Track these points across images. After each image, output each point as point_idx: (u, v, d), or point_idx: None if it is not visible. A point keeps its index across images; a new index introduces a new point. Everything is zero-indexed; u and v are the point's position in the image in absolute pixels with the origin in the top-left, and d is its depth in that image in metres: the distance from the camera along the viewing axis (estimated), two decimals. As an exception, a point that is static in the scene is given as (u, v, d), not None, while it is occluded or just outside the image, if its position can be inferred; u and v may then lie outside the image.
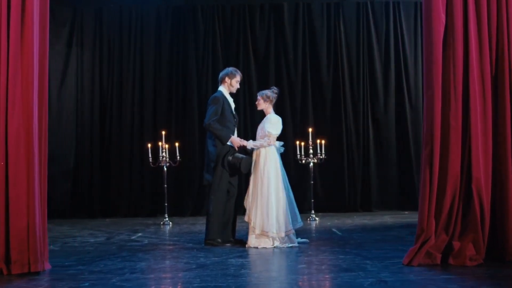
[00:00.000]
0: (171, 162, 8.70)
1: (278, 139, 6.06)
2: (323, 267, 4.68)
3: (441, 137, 4.58)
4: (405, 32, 10.30)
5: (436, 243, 4.54)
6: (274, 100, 6.12)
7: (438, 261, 4.51)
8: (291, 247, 5.71)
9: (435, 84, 4.57)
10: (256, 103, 6.18)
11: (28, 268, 4.41)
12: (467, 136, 4.59)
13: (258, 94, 6.20)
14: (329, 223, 8.19)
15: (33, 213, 4.42)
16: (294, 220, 5.86)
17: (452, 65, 4.60)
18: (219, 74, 6.38)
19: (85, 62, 10.39)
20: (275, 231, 5.71)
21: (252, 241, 5.78)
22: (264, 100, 6.08)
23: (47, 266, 4.64)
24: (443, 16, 4.61)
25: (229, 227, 6.09)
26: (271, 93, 6.10)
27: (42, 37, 4.66)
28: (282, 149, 6.08)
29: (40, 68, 4.62)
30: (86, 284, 4.11)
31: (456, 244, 4.50)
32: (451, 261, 4.48)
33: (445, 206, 4.55)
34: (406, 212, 9.64)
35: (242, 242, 5.96)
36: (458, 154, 4.57)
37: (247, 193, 5.97)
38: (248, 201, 5.91)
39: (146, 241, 6.62)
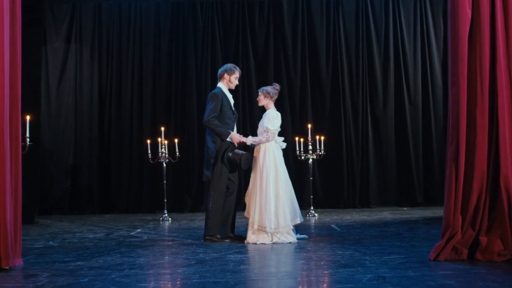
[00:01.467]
0: (170, 158, 8.71)
1: (278, 134, 6.05)
2: (322, 263, 4.69)
3: (467, 133, 4.53)
4: (404, 27, 10.30)
5: (463, 238, 4.52)
6: (275, 96, 6.09)
7: (465, 257, 4.49)
8: (290, 243, 5.72)
9: (461, 80, 4.51)
10: (257, 99, 6.17)
11: None
12: (494, 132, 4.53)
13: (259, 90, 6.18)
14: (328, 219, 8.20)
15: (3, 211, 4.43)
16: (294, 216, 5.86)
17: (479, 61, 4.53)
18: (218, 70, 6.38)
19: (84, 59, 10.39)
20: (273, 227, 5.70)
21: (251, 237, 5.79)
22: (265, 96, 6.06)
23: (19, 263, 4.66)
24: (469, 12, 4.53)
25: (228, 223, 6.09)
26: (271, 89, 6.08)
27: (12, 36, 4.62)
28: (284, 145, 6.06)
29: (11, 67, 4.59)
30: (86, 279, 4.12)
31: (484, 240, 4.47)
32: (478, 256, 4.45)
33: (472, 202, 4.52)
34: (404, 208, 9.68)
35: (241, 238, 5.97)
36: (485, 150, 4.52)
37: (247, 189, 5.98)
38: (248, 197, 5.92)
39: (145, 237, 6.63)
